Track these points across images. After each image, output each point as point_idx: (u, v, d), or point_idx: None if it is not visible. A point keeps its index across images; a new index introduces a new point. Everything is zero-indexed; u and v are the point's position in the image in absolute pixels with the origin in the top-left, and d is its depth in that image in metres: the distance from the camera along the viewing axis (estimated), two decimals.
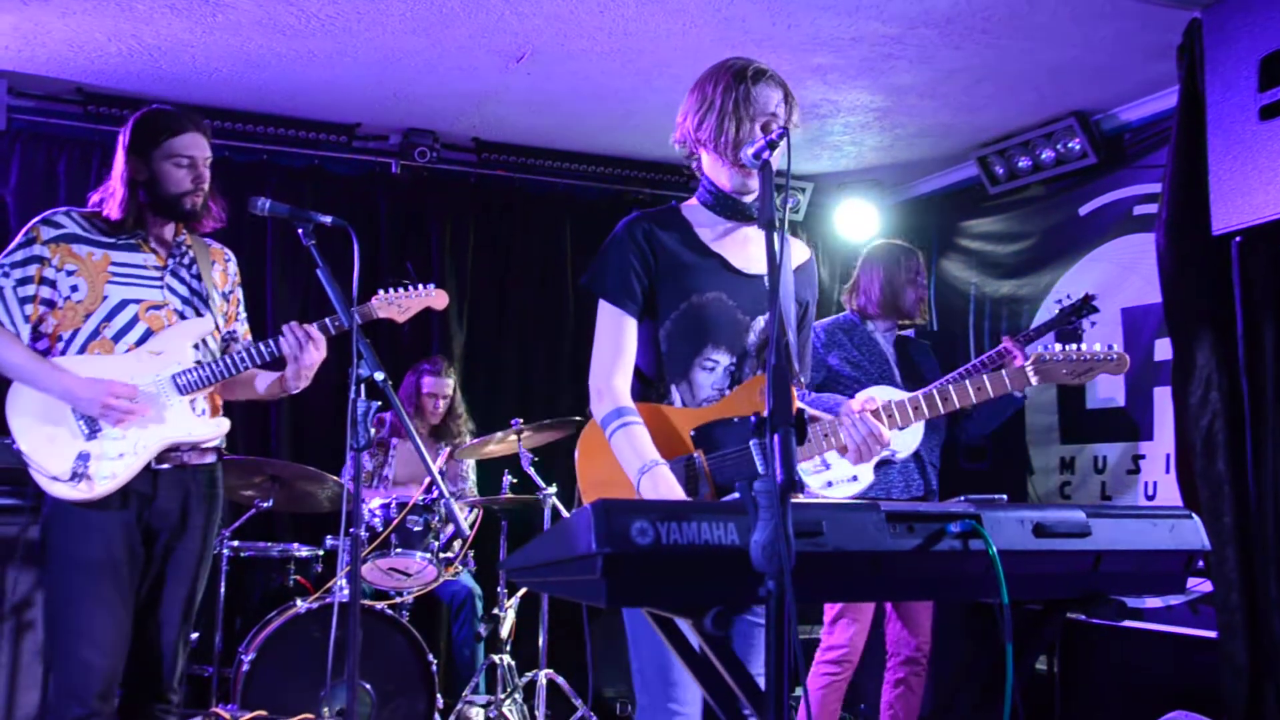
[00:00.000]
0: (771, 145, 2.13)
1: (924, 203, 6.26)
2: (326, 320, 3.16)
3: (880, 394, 4.05)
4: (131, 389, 3.00)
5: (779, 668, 1.50)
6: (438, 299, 3.49)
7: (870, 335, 4.28)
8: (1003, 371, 2.58)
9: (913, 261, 4.30)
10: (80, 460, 2.97)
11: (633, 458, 2.30)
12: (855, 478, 3.88)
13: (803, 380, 2.58)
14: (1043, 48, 4.40)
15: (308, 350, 3.13)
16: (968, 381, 2.54)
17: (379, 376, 2.84)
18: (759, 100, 2.38)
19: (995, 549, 1.65)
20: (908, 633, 4.17)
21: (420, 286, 3.44)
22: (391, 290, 3.40)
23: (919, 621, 4.17)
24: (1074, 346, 2.74)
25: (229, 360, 3.13)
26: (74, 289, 3.05)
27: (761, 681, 2.19)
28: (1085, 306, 4.47)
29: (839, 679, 4.08)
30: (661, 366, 2.46)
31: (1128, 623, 4.10)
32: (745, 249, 2.50)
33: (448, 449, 5.04)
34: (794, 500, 1.51)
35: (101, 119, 5.03)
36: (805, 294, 2.61)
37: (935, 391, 2.51)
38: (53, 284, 3.04)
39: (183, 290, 3.20)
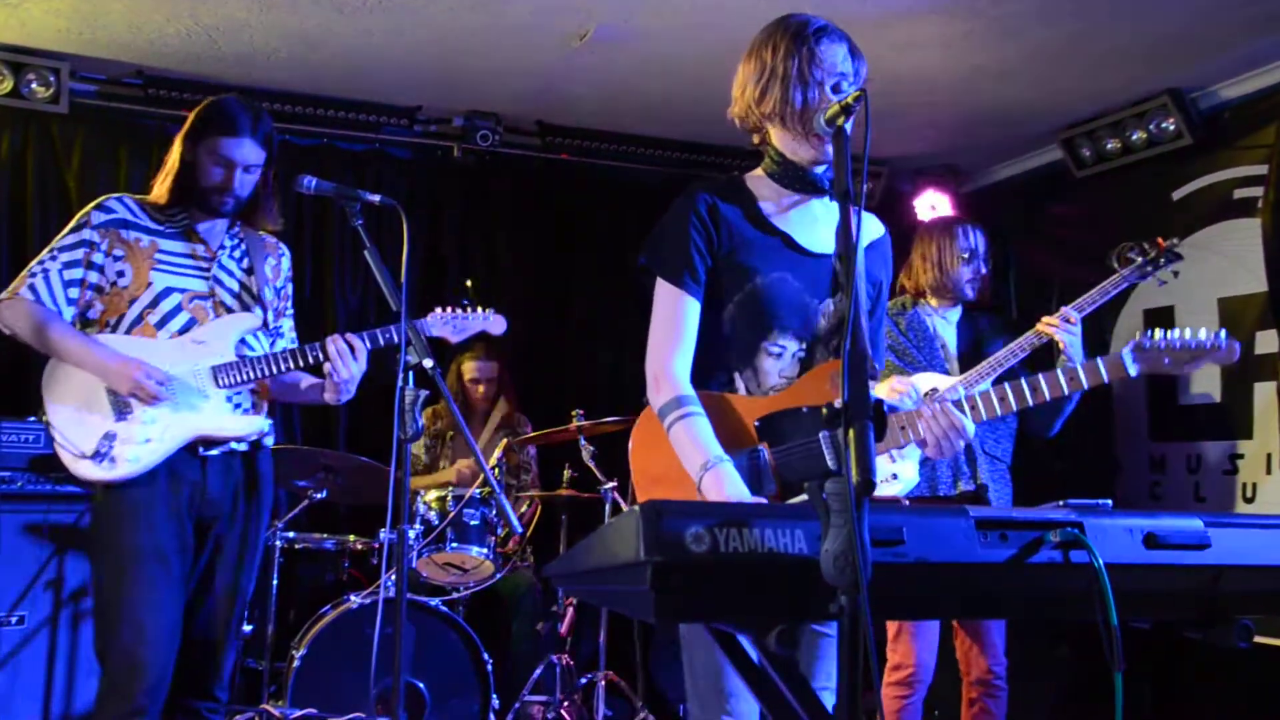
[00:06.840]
0: (847, 109, 1.93)
1: (1004, 188, 6.00)
2: (376, 331, 3.09)
3: (923, 383, 3.78)
4: (162, 374, 2.96)
5: (853, 693, 1.32)
6: (494, 324, 3.42)
7: (921, 319, 3.97)
8: (1099, 360, 2.37)
9: (966, 237, 3.97)
10: (106, 440, 2.94)
11: (694, 453, 2.10)
12: (896, 475, 3.55)
13: (876, 368, 2.38)
14: (1136, 21, 4.14)
15: (348, 360, 3.04)
16: (1060, 371, 2.33)
17: (428, 364, 2.79)
18: (826, 60, 2.18)
19: (1101, 561, 1.45)
20: (976, 652, 3.83)
21: (480, 310, 3.39)
22: (450, 310, 3.34)
23: (989, 639, 3.83)
24: (1176, 333, 2.53)
25: (272, 359, 3.07)
26: (120, 274, 3.04)
27: (826, 698, 2.01)
28: (1162, 255, 3.77)
29: (910, 700, 3.78)
30: (724, 352, 2.26)
31: None
32: (814, 226, 2.30)
33: (504, 440, 4.91)
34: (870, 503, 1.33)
35: (162, 102, 4.99)
36: (878, 274, 2.41)
37: (1025, 381, 2.30)
38: (100, 269, 3.04)
39: (232, 284, 3.16)
